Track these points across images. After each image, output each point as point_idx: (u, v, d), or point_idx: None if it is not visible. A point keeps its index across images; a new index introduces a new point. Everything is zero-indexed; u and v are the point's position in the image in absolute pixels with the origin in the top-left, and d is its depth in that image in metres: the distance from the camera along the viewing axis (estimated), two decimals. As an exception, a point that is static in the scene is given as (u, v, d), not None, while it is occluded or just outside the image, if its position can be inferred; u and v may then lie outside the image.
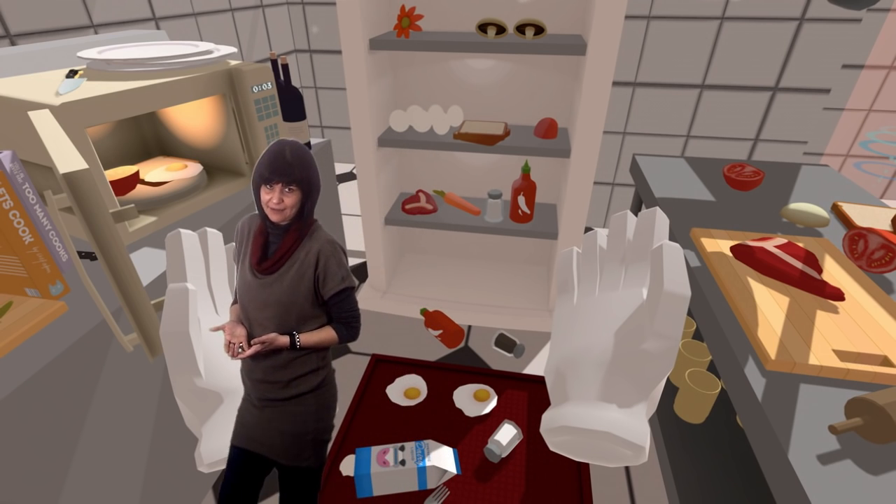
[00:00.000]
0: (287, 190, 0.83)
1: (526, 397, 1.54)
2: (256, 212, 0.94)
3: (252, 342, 0.86)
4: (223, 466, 0.97)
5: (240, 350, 0.87)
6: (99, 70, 1.19)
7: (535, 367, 1.69)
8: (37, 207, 0.92)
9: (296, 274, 0.87)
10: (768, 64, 2.10)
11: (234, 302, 0.97)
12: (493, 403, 1.50)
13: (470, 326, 1.89)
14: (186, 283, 0.94)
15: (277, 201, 0.82)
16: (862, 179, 2.61)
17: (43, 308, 0.87)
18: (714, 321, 0.92)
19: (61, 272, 0.96)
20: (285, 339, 0.87)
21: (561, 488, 1.26)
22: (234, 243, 0.92)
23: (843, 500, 0.60)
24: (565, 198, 1.62)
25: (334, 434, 1.44)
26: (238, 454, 0.92)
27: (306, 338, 0.90)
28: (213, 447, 0.96)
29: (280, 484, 0.94)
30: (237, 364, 1.02)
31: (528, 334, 1.85)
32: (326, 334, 0.91)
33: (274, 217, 0.84)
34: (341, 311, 0.92)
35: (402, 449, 1.29)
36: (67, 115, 0.94)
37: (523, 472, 1.31)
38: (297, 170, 0.82)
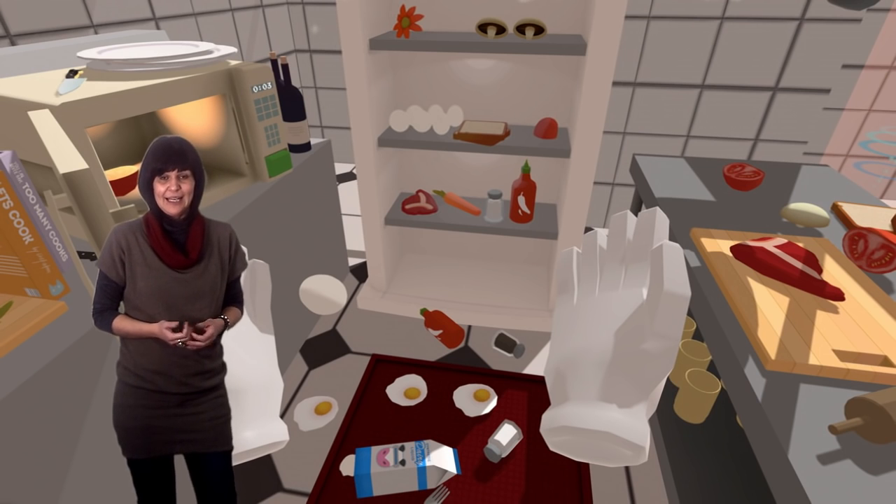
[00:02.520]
0: (182, 176, 0.82)
1: (526, 397, 1.54)
2: (141, 216, 0.87)
3: (209, 322, 0.87)
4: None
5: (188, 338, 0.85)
6: (99, 70, 1.19)
7: (535, 367, 1.69)
8: (37, 207, 0.92)
9: (217, 259, 0.90)
10: (768, 64, 2.10)
11: (113, 315, 0.85)
12: (493, 403, 1.50)
13: (470, 326, 1.89)
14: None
15: (175, 189, 0.81)
16: (862, 179, 2.61)
17: (43, 308, 0.87)
18: (714, 321, 0.92)
19: (61, 272, 0.96)
20: (222, 321, 0.91)
21: (561, 488, 1.26)
22: (112, 257, 0.82)
23: (843, 500, 0.60)
24: (565, 198, 1.62)
25: (335, 434, 1.44)
26: (155, 466, 0.87)
27: (229, 317, 0.95)
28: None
29: (201, 481, 0.91)
30: (234, 363, 1.03)
31: (528, 334, 1.85)
32: (237, 313, 0.97)
33: (172, 210, 0.82)
34: (237, 292, 0.98)
35: (402, 449, 1.29)
36: (67, 115, 0.94)
37: (523, 472, 1.31)
38: (189, 155, 0.82)
